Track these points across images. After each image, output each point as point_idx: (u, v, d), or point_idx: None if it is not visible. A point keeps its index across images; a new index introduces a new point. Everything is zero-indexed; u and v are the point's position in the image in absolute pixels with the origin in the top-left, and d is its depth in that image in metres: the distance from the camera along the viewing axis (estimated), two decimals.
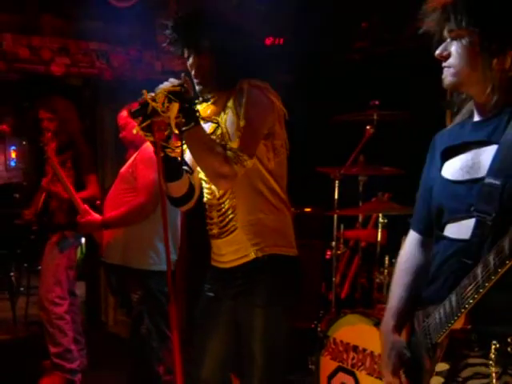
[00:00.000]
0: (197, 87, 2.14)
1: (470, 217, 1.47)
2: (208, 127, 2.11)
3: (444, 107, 3.07)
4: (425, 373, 1.54)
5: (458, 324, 1.45)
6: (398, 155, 3.71)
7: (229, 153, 1.94)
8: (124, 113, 3.40)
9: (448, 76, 1.55)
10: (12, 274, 6.05)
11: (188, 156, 2.09)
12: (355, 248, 4.01)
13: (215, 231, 2.20)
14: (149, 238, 3.15)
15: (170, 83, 1.89)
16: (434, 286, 1.56)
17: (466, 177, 1.51)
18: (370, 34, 4.37)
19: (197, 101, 2.12)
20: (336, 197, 3.72)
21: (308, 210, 4.24)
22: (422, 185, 1.71)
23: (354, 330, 2.98)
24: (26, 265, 5.75)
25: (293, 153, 2.27)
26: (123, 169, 3.31)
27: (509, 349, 1.38)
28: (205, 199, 2.24)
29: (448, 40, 1.54)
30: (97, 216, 3.31)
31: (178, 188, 2.16)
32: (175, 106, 1.84)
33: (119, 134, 3.47)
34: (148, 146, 3.15)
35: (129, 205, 3.12)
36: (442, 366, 1.48)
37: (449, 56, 1.53)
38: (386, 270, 3.33)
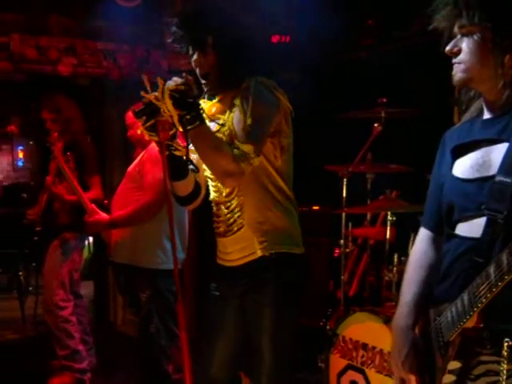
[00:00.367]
0: (202, 85, 2.13)
1: (481, 215, 1.47)
2: (214, 125, 2.11)
3: (451, 104, 3.07)
4: (437, 370, 1.54)
5: (471, 323, 1.44)
6: (405, 153, 3.70)
7: (235, 151, 1.93)
8: (131, 112, 3.40)
9: (458, 72, 1.54)
10: (20, 273, 6.07)
11: (193, 155, 2.09)
12: (363, 246, 4.01)
13: (222, 229, 2.20)
14: (157, 237, 3.15)
15: (173, 82, 1.89)
16: (444, 284, 1.55)
17: (477, 175, 1.51)
18: (376, 32, 4.35)
19: (202, 99, 2.12)
20: (344, 195, 3.71)
21: (316, 208, 4.24)
22: (433, 182, 1.70)
23: (363, 328, 2.97)
24: (34, 264, 5.77)
25: (301, 151, 2.27)
26: (130, 168, 3.31)
27: None
28: (211, 197, 2.23)
29: (458, 36, 1.52)
30: (104, 215, 3.31)
31: (183, 187, 2.16)
32: (170, 104, 1.84)
33: (127, 132, 3.48)
34: (155, 145, 3.15)
35: (136, 204, 3.13)
36: (455, 364, 1.48)
37: (459, 52, 1.52)
38: (394, 268, 3.32)
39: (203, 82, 2.12)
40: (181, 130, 1.89)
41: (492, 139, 1.51)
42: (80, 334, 3.83)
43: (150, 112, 1.86)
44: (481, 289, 1.39)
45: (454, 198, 1.56)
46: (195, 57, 2.11)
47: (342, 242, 3.76)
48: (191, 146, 1.95)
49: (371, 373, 2.91)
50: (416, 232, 1.79)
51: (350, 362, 3.02)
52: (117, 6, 4.34)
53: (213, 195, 2.22)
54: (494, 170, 1.47)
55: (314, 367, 3.46)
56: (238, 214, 2.13)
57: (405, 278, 1.73)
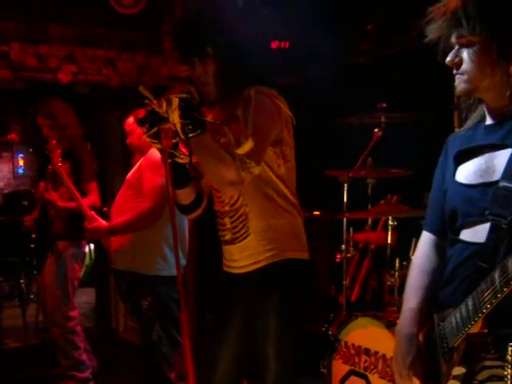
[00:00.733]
0: (203, 94, 2.13)
1: (485, 221, 1.47)
2: (215, 134, 2.11)
3: (452, 109, 3.07)
4: (442, 376, 1.54)
5: (475, 328, 1.44)
6: (406, 157, 3.70)
7: (236, 160, 1.94)
8: (131, 119, 3.41)
9: (461, 83, 1.53)
10: (22, 281, 6.07)
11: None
12: (365, 251, 4.01)
13: (228, 237, 2.20)
14: (156, 244, 3.15)
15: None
16: (448, 289, 1.55)
17: (480, 180, 1.50)
18: (375, 37, 4.36)
19: (203, 107, 2.12)
20: (345, 200, 3.72)
21: (317, 213, 4.24)
22: (435, 187, 1.70)
23: (365, 333, 2.97)
24: (35, 272, 5.76)
25: (301, 156, 2.27)
26: (129, 175, 3.31)
27: None
28: (216, 206, 2.24)
29: (456, 47, 1.52)
30: (103, 222, 3.31)
31: (185, 195, 2.16)
32: (178, 113, 1.84)
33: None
34: (154, 152, 3.16)
35: (135, 211, 3.12)
36: (459, 370, 1.47)
37: (461, 63, 1.51)
38: (396, 273, 3.32)
39: (203, 91, 2.12)
40: (183, 137, 1.89)
41: (495, 144, 1.51)
42: (84, 343, 3.81)
43: (153, 120, 1.86)
44: (485, 294, 1.39)
45: (457, 203, 1.56)
46: (194, 66, 2.11)
47: (343, 247, 3.75)
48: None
49: (374, 378, 2.91)
50: (417, 236, 1.79)
51: (353, 367, 3.01)
52: (116, 13, 4.35)
53: (218, 205, 2.23)
54: (497, 176, 1.47)
55: (317, 373, 3.45)
56: (244, 222, 2.14)
57: (407, 283, 1.73)
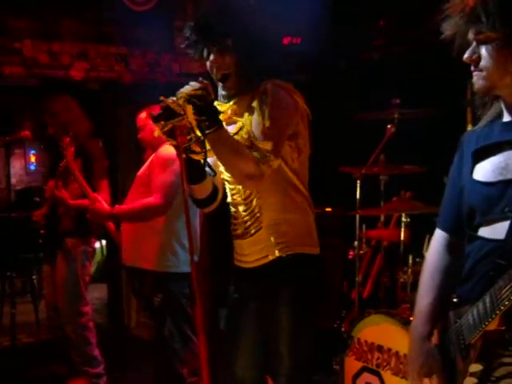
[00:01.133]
0: (219, 87, 2.13)
1: (505, 218, 1.45)
2: (232, 128, 2.11)
3: (465, 104, 3.05)
4: (458, 374, 1.53)
5: (492, 325, 1.43)
6: (419, 153, 3.68)
7: (255, 153, 1.94)
8: (143, 114, 3.41)
9: (479, 80, 1.51)
10: (34, 277, 6.10)
11: (210, 158, 2.09)
12: (377, 247, 4.00)
13: (239, 231, 2.20)
14: (166, 241, 3.16)
15: (190, 86, 1.89)
16: (466, 286, 1.54)
17: (500, 178, 1.48)
18: (388, 32, 4.34)
19: (218, 102, 2.12)
20: (358, 196, 3.70)
21: (329, 210, 4.23)
22: (451, 185, 1.68)
23: (378, 330, 2.96)
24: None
25: (314, 153, 2.27)
26: (140, 171, 3.32)
27: None
28: (229, 199, 2.24)
29: (474, 43, 1.49)
30: (106, 206, 3.32)
31: (201, 190, 2.17)
32: (193, 110, 1.84)
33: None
34: (165, 149, 3.17)
35: (142, 202, 3.13)
36: (476, 367, 1.46)
37: (479, 60, 1.49)
38: (409, 270, 3.32)
39: (221, 84, 2.12)
40: (199, 134, 1.90)
41: None
42: (96, 339, 3.83)
43: (168, 117, 1.86)
44: (503, 291, 1.38)
45: (475, 202, 1.54)
46: (213, 58, 2.10)
47: (355, 243, 3.75)
48: (209, 149, 1.96)
49: (387, 375, 2.90)
50: (431, 233, 1.77)
51: (365, 364, 3.01)
52: (128, 11, 4.35)
53: (231, 198, 2.23)
54: None
55: (329, 369, 3.45)
56: (257, 215, 2.14)
57: (420, 282, 1.72)
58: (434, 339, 1.62)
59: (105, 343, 3.98)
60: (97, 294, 6.03)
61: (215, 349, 2.21)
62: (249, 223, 2.16)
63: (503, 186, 1.47)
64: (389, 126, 3.59)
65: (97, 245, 4.32)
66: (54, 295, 3.80)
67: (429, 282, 1.68)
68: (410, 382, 1.68)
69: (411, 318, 2.65)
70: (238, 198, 2.19)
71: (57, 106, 3.81)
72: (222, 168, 2.14)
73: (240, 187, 2.16)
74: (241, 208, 2.18)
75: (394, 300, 3.53)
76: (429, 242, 1.80)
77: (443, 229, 1.71)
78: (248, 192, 2.14)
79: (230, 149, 1.93)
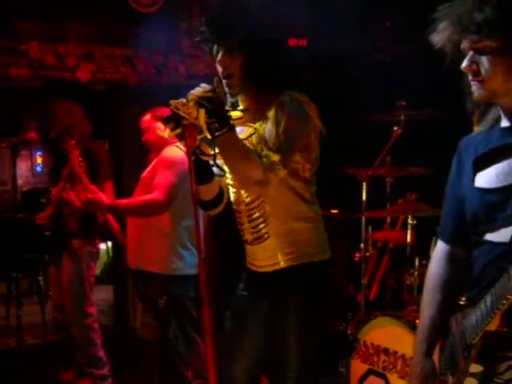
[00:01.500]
0: (225, 88, 2.12)
1: (510, 223, 1.44)
2: (242, 133, 2.11)
3: (471, 106, 3.04)
4: (460, 373, 1.53)
5: (493, 326, 1.43)
6: (425, 155, 3.67)
7: (263, 160, 1.94)
8: (147, 116, 3.41)
9: (479, 89, 1.49)
10: (40, 278, 6.11)
11: (218, 160, 2.09)
12: (383, 249, 3.99)
13: (248, 237, 2.20)
14: (171, 243, 3.16)
15: (201, 88, 1.89)
16: (475, 290, 1.54)
17: (505, 183, 1.47)
18: (394, 33, 4.33)
19: (227, 107, 2.11)
20: (364, 198, 3.70)
21: (335, 212, 4.23)
22: (451, 193, 1.67)
23: (384, 333, 2.95)
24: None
25: (320, 155, 2.26)
26: (144, 173, 3.33)
27: None
28: (233, 205, 2.24)
29: (471, 52, 1.47)
30: (106, 198, 3.30)
31: (207, 191, 2.17)
32: (203, 112, 1.84)
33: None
34: (168, 151, 3.18)
35: (143, 197, 3.14)
36: (476, 368, 1.47)
37: (477, 69, 1.47)
38: (416, 272, 3.31)
39: (226, 83, 2.11)
40: (209, 136, 1.90)
41: None
42: (101, 340, 3.83)
43: (178, 118, 1.87)
44: (502, 290, 1.38)
45: (479, 209, 1.53)
46: (220, 56, 2.10)
47: (362, 245, 3.74)
48: (217, 152, 1.96)
49: (393, 378, 2.89)
50: (437, 235, 1.76)
51: (372, 366, 3.00)
52: (134, 12, 4.36)
53: (233, 203, 2.23)
54: None
55: (335, 372, 3.44)
56: (263, 224, 2.14)
57: (422, 296, 1.72)
58: (435, 356, 1.63)
59: (110, 344, 3.99)
60: (103, 295, 6.02)
61: (220, 351, 2.20)
62: (255, 230, 2.16)
63: (507, 191, 1.46)
64: (395, 128, 3.59)
65: (102, 246, 4.33)
66: (61, 296, 3.81)
67: (430, 298, 1.68)
68: None
69: (417, 321, 2.65)
70: (239, 205, 2.19)
71: (58, 111, 3.81)
72: (227, 173, 2.14)
73: (242, 193, 2.16)
74: (243, 215, 2.18)
75: (400, 302, 3.52)
76: (435, 243, 1.79)
77: (444, 239, 1.71)
78: (250, 199, 2.14)
79: (238, 153, 1.93)
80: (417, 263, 3.34)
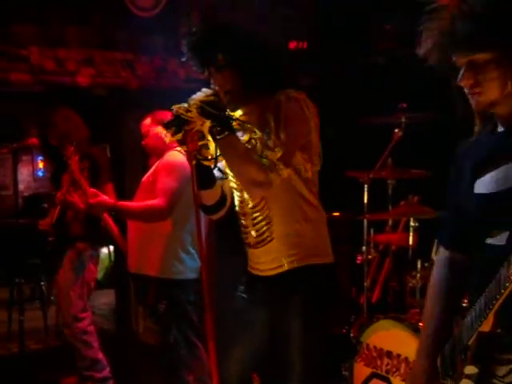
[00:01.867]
0: (227, 105, 2.10)
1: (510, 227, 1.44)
2: (243, 136, 2.11)
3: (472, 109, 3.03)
4: (457, 374, 1.52)
5: (487, 327, 1.42)
6: (426, 157, 3.67)
7: (265, 161, 1.94)
8: (147, 120, 3.41)
9: (477, 100, 1.48)
10: (42, 283, 6.10)
11: (219, 163, 2.09)
12: (385, 252, 3.98)
13: (251, 240, 2.20)
14: (172, 248, 3.15)
15: (202, 93, 1.89)
16: (476, 294, 1.53)
17: (507, 185, 1.46)
18: (394, 35, 4.33)
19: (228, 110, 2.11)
20: (365, 201, 3.69)
21: (337, 214, 4.22)
22: (451, 200, 1.66)
23: (387, 336, 2.94)
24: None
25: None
26: (145, 178, 3.32)
27: None
28: (237, 208, 2.23)
29: (465, 66, 1.46)
30: (108, 198, 3.29)
31: (210, 196, 2.17)
32: (206, 116, 1.84)
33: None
34: (170, 155, 3.17)
35: (146, 203, 3.13)
36: (471, 369, 1.46)
37: (473, 82, 1.46)
38: (418, 274, 3.30)
39: (224, 100, 2.10)
40: (210, 140, 1.90)
41: None
42: (98, 342, 3.82)
43: (180, 123, 1.87)
44: (493, 290, 1.38)
45: (480, 215, 1.52)
46: (213, 76, 2.10)
47: (363, 248, 3.73)
48: (218, 155, 1.96)
49: (396, 381, 2.88)
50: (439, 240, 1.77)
51: (375, 370, 2.99)
52: (134, 17, 4.36)
53: (238, 206, 2.22)
54: None
55: (338, 375, 3.43)
56: (267, 227, 2.14)
57: (425, 305, 1.72)
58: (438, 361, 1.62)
59: (112, 349, 3.98)
60: (104, 299, 6.03)
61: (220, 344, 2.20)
62: (259, 233, 2.16)
63: (506, 195, 1.46)
64: (396, 130, 3.59)
65: (104, 250, 4.33)
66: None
67: (432, 308, 1.68)
68: None
69: (420, 324, 2.64)
70: (244, 208, 2.19)
71: (56, 117, 3.84)
72: (230, 176, 2.14)
73: (246, 196, 2.16)
74: (248, 218, 2.18)
75: (402, 305, 3.51)
76: (437, 246, 1.79)
77: (444, 246, 1.71)
78: (254, 202, 2.14)
79: (240, 155, 1.94)
80: (419, 265, 3.33)
